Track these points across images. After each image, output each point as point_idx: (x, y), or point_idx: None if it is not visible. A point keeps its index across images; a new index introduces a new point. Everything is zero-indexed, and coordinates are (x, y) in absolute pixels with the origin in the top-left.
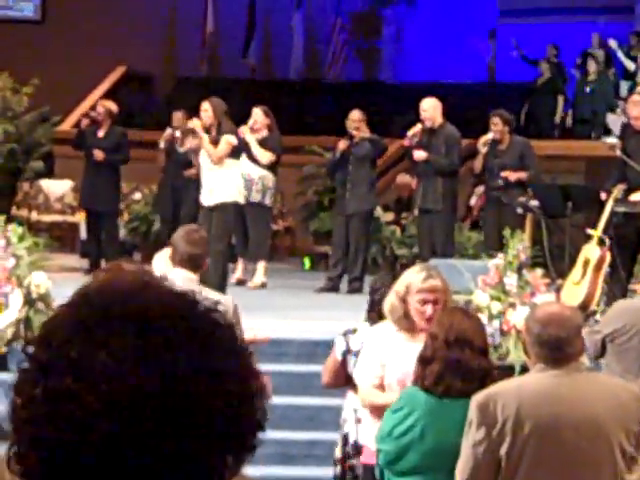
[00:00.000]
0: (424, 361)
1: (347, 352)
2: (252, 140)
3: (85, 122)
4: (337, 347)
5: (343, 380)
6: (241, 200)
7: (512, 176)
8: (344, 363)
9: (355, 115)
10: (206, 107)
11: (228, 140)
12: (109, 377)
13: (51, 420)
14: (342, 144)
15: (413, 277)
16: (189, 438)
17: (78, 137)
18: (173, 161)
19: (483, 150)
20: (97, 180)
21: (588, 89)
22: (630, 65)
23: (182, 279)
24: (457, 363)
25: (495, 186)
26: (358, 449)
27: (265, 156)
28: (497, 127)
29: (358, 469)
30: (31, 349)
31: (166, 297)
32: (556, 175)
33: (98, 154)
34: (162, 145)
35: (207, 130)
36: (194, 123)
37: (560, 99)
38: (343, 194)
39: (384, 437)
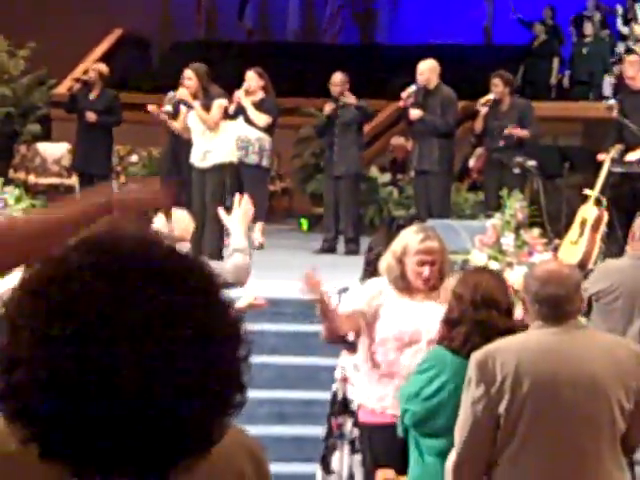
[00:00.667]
0: (450, 322)
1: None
2: (247, 104)
3: (77, 86)
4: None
5: (338, 336)
6: (235, 160)
7: (514, 131)
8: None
9: (337, 78)
10: (189, 75)
11: (220, 104)
12: (136, 328)
13: (73, 361)
14: (328, 107)
15: (410, 238)
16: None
17: (70, 100)
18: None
19: (483, 111)
20: (90, 143)
21: (584, 51)
22: (624, 30)
23: None
24: (484, 324)
25: (496, 147)
26: (346, 406)
27: (262, 119)
28: (498, 88)
29: (345, 426)
30: (39, 279)
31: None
32: (555, 136)
33: (90, 115)
34: (168, 108)
35: (194, 97)
36: (181, 93)
37: (555, 61)
38: (331, 157)
39: (411, 397)
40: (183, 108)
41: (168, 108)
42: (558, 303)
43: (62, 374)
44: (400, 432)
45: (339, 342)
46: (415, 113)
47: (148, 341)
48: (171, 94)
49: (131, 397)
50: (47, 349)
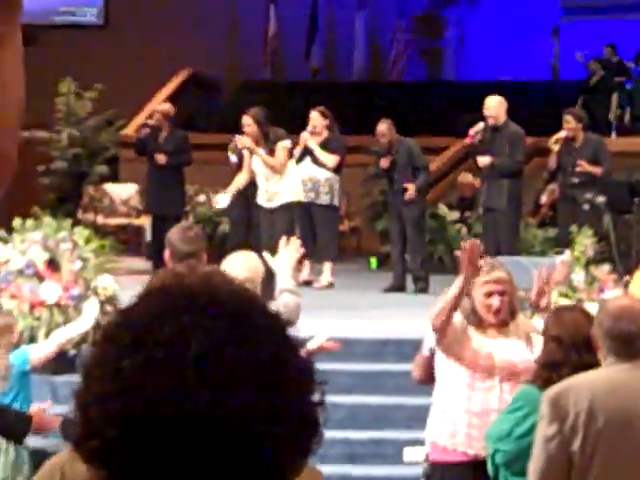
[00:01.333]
0: (551, 365)
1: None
2: (315, 146)
3: (144, 131)
4: (425, 342)
5: (431, 375)
6: (302, 199)
7: (587, 167)
8: (432, 358)
9: (382, 128)
10: (248, 121)
11: (283, 146)
12: (204, 354)
13: (142, 390)
14: (384, 162)
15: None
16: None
17: (139, 145)
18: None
19: (555, 148)
20: (161, 184)
21: None
22: None
23: None
24: (589, 368)
25: (569, 183)
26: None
27: (330, 159)
28: (570, 125)
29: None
30: (110, 328)
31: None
32: (626, 171)
33: (160, 158)
34: (233, 159)
35: (256, 142)
36: (243, 141)
37: (614, 97)
38: (395, 196)
39: (503, 437)
40: (247, 154)
41: (233, 159)
42: (631, 339)
43: (133, 406)
44: (490, 471)
45: (430, 383)
46: (484, 160)
47: (215, 370)
48: (233, 144)
49: (203, 433)
50: (117, 383)
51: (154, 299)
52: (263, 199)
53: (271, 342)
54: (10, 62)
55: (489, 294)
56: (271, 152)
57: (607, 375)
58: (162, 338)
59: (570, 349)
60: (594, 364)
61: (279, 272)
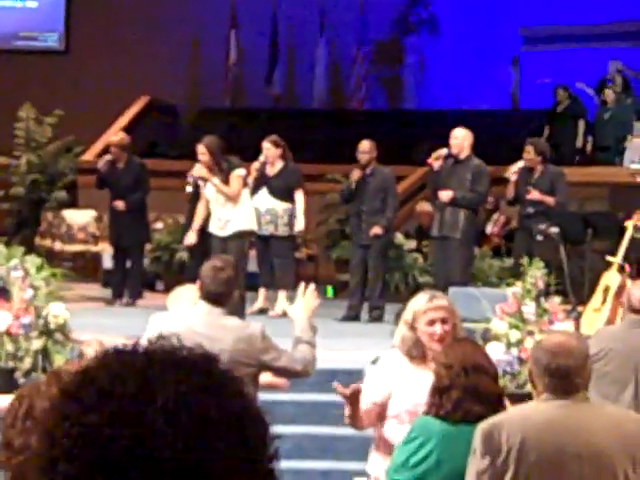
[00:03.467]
0: (440, 390)
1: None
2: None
3: (104, 167)
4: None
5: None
6: (255, 228)
7: (536, 195)
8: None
9: (365, 145)
10: (202, 150)
11: (238, 174)
12: (172, 403)
13: (114, 442)
14: (355, 174)
15: (418, 301)
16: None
17: (99, 180)
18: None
19: (512, 178)
20: (124, 216)
21: (606, 116)
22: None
23: (207, 312)
24: (476, 389)
25: (525, 214)
26: None
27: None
28: (529, 155)
29: None
30: (71, 386)
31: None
32: (581, 202)
33: (119, 204)
34: (189, 189)
35: (210, 170)
36: (198, 171)
37: (581, 124)
38: (359, 224)
39: (398, 468)
40: (202, 184)
41: (189, 189)
42: (567, 375)
43: (106, 458)
44: None
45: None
46: (447, 195)
47: (184, 417)
48: (190, 178)
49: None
50: (86, 437)
51: (112, 360)
52: (216, 227)
53: (231, 390)
54: None
55: (431, 322)
56: (225, 181)
57: (542, 410)
58: (128, 392)
59: (460, 372)
60: (482, 387)
61: (297, 321)
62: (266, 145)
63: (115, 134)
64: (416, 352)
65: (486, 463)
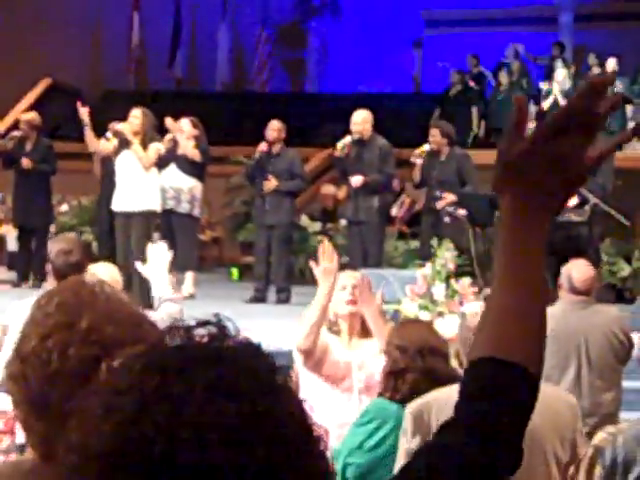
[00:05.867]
0: (395, 374)
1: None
2: (182, 139)
3: (10, 143)
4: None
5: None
6: (159, 209)
7: (444, 203)
8: None
9: (275, 124)
10: (137, 114)
11: (157, 147)
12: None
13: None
14: (261, 146)
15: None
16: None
17: (6, 157)
18: (109, 171)
19: (418, 162)
20: (28, 195)
21: (499, 98)
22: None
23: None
24: (433, 372)
25: (433, 197)
26: None
27: (194, 153)
28: (435, 138)
29: None
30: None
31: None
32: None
33: (26, 162)
34: (104, 142)
35: (135, 134)
36: (123, 126)
37: (474, 109)
38: (263, 205)
39: (353, 451)
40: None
41: (108, 135)
42: None
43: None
44: None
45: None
46: (357, 180)
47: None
48: (110, 132)
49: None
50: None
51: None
52: (120, 202)
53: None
54: None
55: (342, 287)
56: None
57: None
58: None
59: (415, 355)
60: (439, 370)
61: (154, 281)
62: (184, 121)
63: (17, 117)
64: (335, 328)
65: (416, 443)
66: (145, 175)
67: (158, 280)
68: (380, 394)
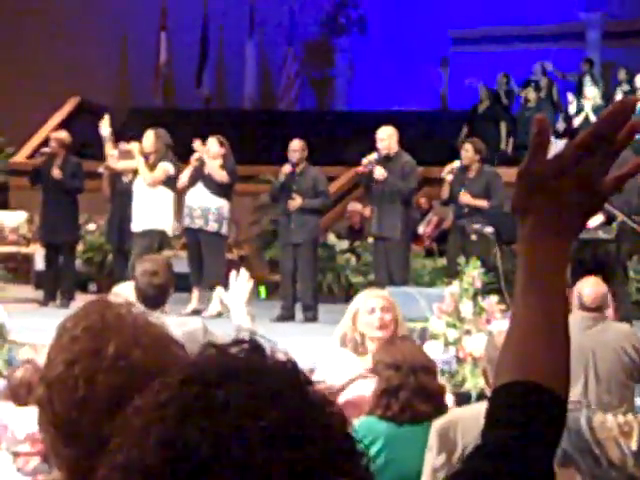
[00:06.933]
0: (389, 391)
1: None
2: (209, 160)
3: (41, 159)
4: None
5: None
6: (167, 230)
7: (465, 200)
8: None
9: (296, 144)
10: (149, 135)
11: (165, 167)
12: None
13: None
14: (284, 170)
15: (359, 298)
16: None
17: (34, 173)
18: (119, 191)
19: (448, 178)
20: (55, 213)
21: (527, 115)
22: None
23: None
24: (424, 389)
25: (459, 214)
26: None
27: (221, 175)
28: (467, 154)
29: None
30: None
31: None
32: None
33: (57, 172)
34: (100, 169)
35: (146, 157)
36: (132, 146)
37: (503, 125)
38: (288, 224)
39: None
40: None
41: (115, 153)
42: None
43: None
44: None
45: None
46: (380, 172)
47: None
48: (117, 151)
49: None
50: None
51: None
52: (134, 223)
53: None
54: None
55: (372, 310)
56: (152, 168)
57: None
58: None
59: (409, 373)
60: (430, 387)
61: (233, 308)
62: (211, 140)
63: (47, 136)
64: (361, 348)
65: (442, 460)
66: (155, 195)
67: (237, 309)
68: (370, 412)
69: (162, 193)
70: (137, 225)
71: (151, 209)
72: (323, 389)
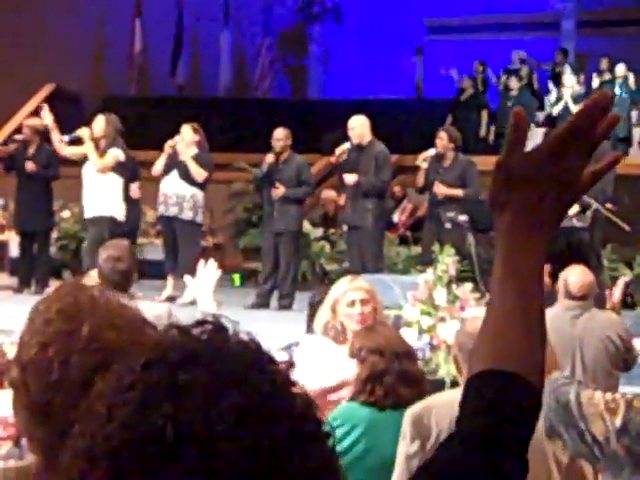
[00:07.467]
0: (374, 377)
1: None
2: (188, 158)
3: (13, 146)
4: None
5: None
6: (118, 216)
7: (442, 190)
8: None
9: (279, 133)
10: (99, 120)
11: (115, 153)
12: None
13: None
14: (269, 157)
15: (339, 286)
16: None
17: (9, 161)
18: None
19: (423, 165)
20: (29, 200)
21: (509, 104)
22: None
23: None
24: (407, 374)
25: (435, 201)
26: None
27: (200, 174)
28: (442, 142)
29: None
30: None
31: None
32: (484, 190)
33: (30, 165)
34: (65, 139)
35: (95, 141)
36: (82, 131)
37: (484, 114)
38: (271, 212)
39: None
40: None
41: (65, 139)
42: None
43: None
44: None
45: None
46: (350, 179)
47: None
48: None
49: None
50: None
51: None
52: (86, 211)
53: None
54: None
55: (352, 303)
56: (102, 155)
57: None
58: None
59: (393, 358)
60: (412, 372)
61: (199, 295)
62: (185, 128)
63: (19, 122)
64: (342, 337)
65: (416, 447)
66: (105, 181)
67: (204, 296)
68: (353, 398)
69: (112, 179)
70: (88, 212)
71: (101, 195)
72: (315, 392)
